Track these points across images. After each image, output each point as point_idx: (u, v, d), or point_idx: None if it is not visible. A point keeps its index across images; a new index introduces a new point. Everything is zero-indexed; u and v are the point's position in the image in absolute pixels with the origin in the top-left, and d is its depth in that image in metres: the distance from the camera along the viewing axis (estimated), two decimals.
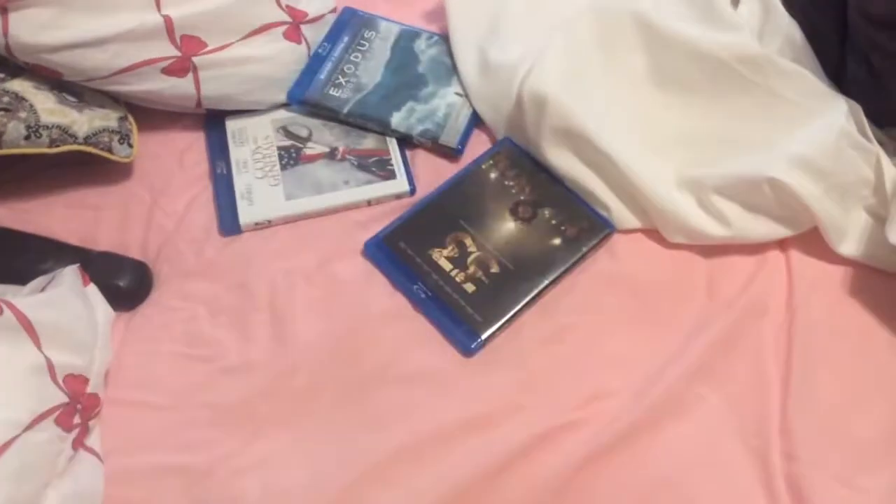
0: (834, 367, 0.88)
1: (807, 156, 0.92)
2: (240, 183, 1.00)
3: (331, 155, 1.03)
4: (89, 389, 0.81)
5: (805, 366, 0.88)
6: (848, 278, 0.95)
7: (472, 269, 0.94)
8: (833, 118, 0.94)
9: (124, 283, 0.91)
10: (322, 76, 1.08)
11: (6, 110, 0.89)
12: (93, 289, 0.89)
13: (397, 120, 1.05)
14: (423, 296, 0.92)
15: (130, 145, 0.98)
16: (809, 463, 0.82)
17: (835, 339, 0.90)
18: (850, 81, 0.99)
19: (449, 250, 0.95)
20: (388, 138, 1.05)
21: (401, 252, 0.95)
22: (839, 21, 0.98)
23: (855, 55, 0.98)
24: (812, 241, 0.95)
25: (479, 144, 1.06)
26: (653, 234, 0.99)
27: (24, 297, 0.82)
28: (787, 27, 1.02)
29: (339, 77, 1.08)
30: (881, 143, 0.96)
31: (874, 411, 0.86)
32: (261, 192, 0.99)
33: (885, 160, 0.94)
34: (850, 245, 0.95)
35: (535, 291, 0.92)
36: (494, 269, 0.94)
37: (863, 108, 0.96)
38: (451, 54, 1.11)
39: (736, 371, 0.88)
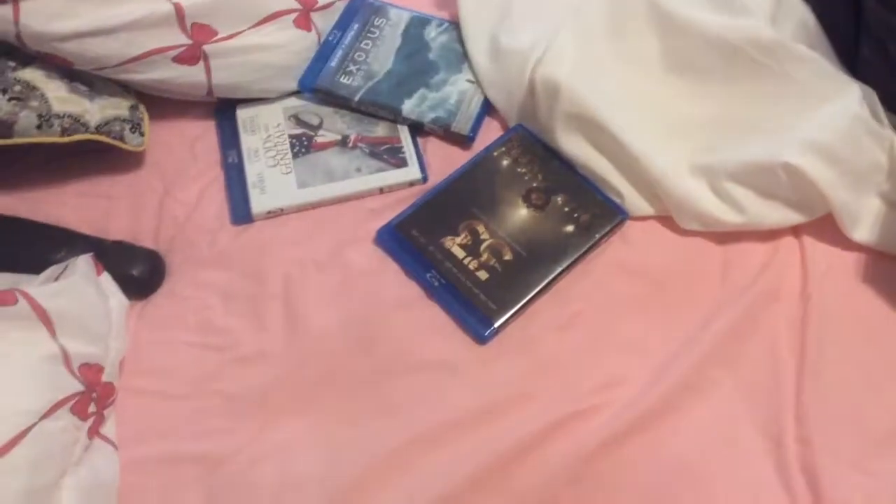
0: (847, 353, 0.88)
1: (821, 141, 0.91)
2: (251, 171, 1.00)
3: (342, 143, 1.03)
4: (104, 378, 0.82)
5: (819, 351, 0.88)
6: (861, 264, 0.94)
7: (485, 256, 0.93)
8: (847, 103, 0.94)
9: (137, 272, 0.91)
10: (333, 64, 1.07)
11: (18, 99, 0.89)
12: (106, 278, 0.89)
13: (409, 107, 1.04)
14: (436, 283, 0.92)
15: (142, 134, 0.98)
16: (823, 448, 0.82)
17: (848, 325, 0.90)
18: (865, 66, 0.98)
19: (462, 238, 0.95)
20: (399, 126, 1.05)
21: (414, 240, 0.95)
22: (853, 5, 0.98)
23: (869, 40, 0.97)
24: (826, 227, 0.95)
25: (491, 131, 1.06)
26: (666, 220, 0.98)
27: (39, 287, 0.82)
28: (801, 12, 1.02)
29: (350, 64, 1.08)
30: (895, 128, 0.95)
31: (888, 397, 0.86)
32: (273, 180, 0.99)
33: None
34: (863, 231, 0.94)
35: (549, 278, 0.92)
36: (507, 256, 0.93)
37: (877, 93, 0.96)
38: (461, 41, 1.11)
39: (750, 357, 0.88)
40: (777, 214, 0.94)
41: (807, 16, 1.01)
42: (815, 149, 0.91)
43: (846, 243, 0.95)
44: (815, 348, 0.88)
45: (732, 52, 0.97)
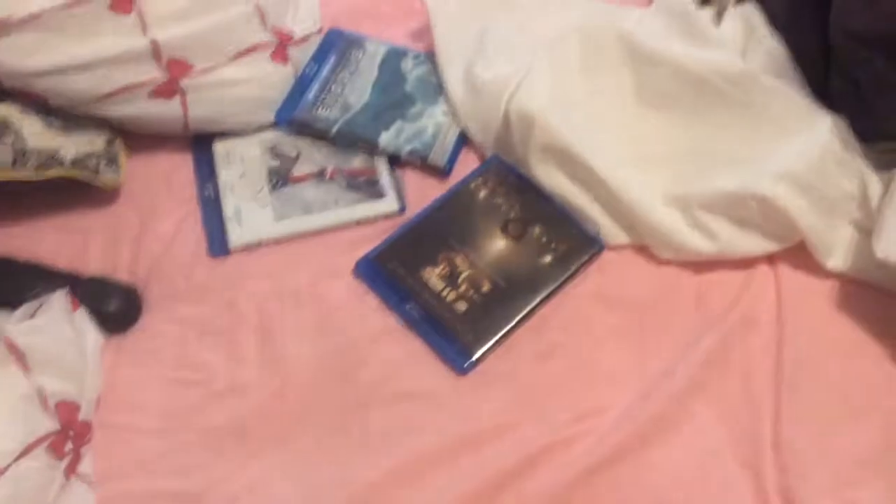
0: (824, 381, 0.89)
1: (792, 171, 0.92)
2: (228, 204, 1.00)
3: (320, 175, 1.03)
4: (81, 417, 0.81)
5: (795, 379, 0.89)
6: (836, 292, 0.95)
7: (463, 287, 0.94)
8: (817, 134, 0.95)
9: (113, 307, 0.90)
10: (310, 96, 1.08)
11: None
12: (82, 314, 0.88)
13: (386, 139, 1.05)
14: (415, 315, 0.92)
15: (118, 169, 0.98)
16: (802, 476, 0.82)
17: (824, 352, 0.91)
18: (834, 97, 1.00)
19: (440, 269, 0.95)
20: (376, 157, 1.05)
21: (392, 271, 0.95)
22: (822, 37, 1.00)
23: (838, 71, 0.99)
24: (800, 255, 0.96)
25: (468, 163, 1.07)
26: (642, 249, 0.99)
27: (14, 324, 0.82)
28: (771, 44, 1.04)
29: (327, 97, 1.08)
30: (866, 158, 0.97)
31: (865, 424, 0.87)
32: (250, 213, 0.99)
33: (869, 175, 0.95)
34: (837, 259, 0.95)
35: (527, 309, 0.93)
36: (486, 287, 0.94)
37: (847, 122, 0.97)
38: (437, 73, 1.12)
39: (727, 385, 0.89)
40: (751, 243, 0.95)
41: (777, 48, 1.03)
42: (787, 179, 0.92)
43: (820, 271, 0.96)
44: (791, 376, 0.89)
45: (703, 84, 0.99)
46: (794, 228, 0.93)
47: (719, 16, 1.10)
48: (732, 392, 0.88)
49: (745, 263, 0.97)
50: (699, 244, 0.96)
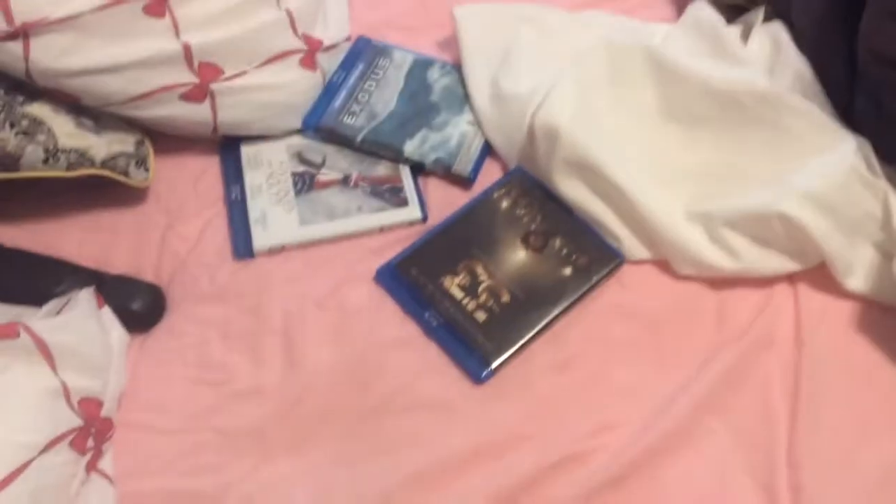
0: (841, 401, 0.89)
1: (816, 191, 0.92)
2: (254, 208, 1.01)
3: (344, 181, 1.04)
4: (103, 413, 0.82)
5: (812, 399, 0.89)
6: (855, 313, 0.95)
7: (483, 297, 0.94)
8: (842, 154, 0.95)
9: (138, 306, 0.92)
10: (337, 104, 1.09)
11: (25, 134, 0.90)
12: (107, 312, 0.89)
13: (410, 148, 1.06)
14: (434, 323, 0.93)
15: (147, 169, 0.99)
16: (817, 495, 0.82)
17: (842, 372, 0.91)
18: (859, 117, 1.00)
19: (461, 278, 0.95)
20: (400, 166, 1.06)
21: (413, 279, 0.95)
22: (849, 57, 1.00)
23: (864, 92, 0.99)
24: (820, 275, 0.96)
25: (491, 173, 1.07)
26: (662, 265, 0.99)
27: (41, 320, 0.83)
28: (797, 63, 1.03)
29: (354, 105, 1.09)
30: (889, 180, 0.96)
31: (880, 445, 0.86)
32: (275, 217, 1.00)
33: (892, 197, 0.95)
34: (857, 280, 0.95)
35: (545, 321, 0.93)
36: (505, 298, 0.94)
37: (871, 143, 0.97)
38: (463, 83, 1.13)
39: (744, 403, 0.89)
40: (773, 262, 0.95)
41: (803, 68, 1.03)
42: (811, 199, 0.92)
43: (840, 291, 0.96)
44: (808, 395, 0.89)
45: (729, 101, 0.99)
46: (816, 248, 0.93)
47: (746, 34, 1.10)
48: (749, 410, 0.88)
49: (765, 282, 0.97)
50: (720, 261, 0.96)
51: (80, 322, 0.84)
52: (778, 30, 1.08)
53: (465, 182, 1.06)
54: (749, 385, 0.90)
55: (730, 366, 0.91)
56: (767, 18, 1.10)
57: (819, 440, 0.86)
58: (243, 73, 1.00)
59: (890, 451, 0.86)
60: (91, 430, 0.79)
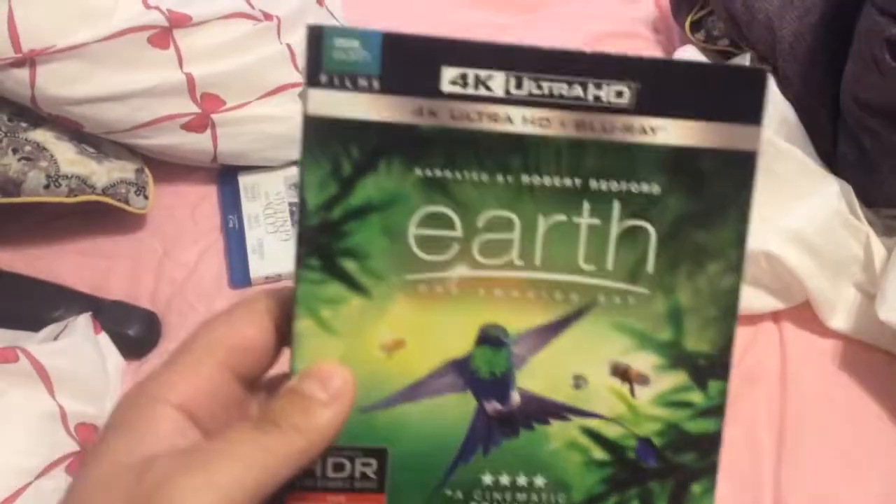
0: (825, 439, 0.90)
1: (801, 232, 0.95)
2: (251, 237, 1.02)
3: None
4: None
5: (797, 436, 0.90)
6: (839, 352, 0.97)
7: None
8: (825, 197, 0.97)
9: (134, 332, 0.92)
10: None
11: (27, 159, 0.91)
12: (104, 337, 0.90)
13: None
14: None
15: (146, 197, 1.00)
16: None
17: (826, 409, 0.92)
18: (842, 161, 1.03)
19: None
20: None
21: None
22: (832, 103, 1.03)
23: (847, 137, 1.02)
24: (804, 314, 0.98)
25: None
26: None
27: (39, 345, 0.83)
28: (782, 108, 1.06)
29: None
30: (870, 223, 0.99)
31: (865, 481, 0.88)
32: (272, 246, 1.01)
33: (874, 239, 0.97)
34: (840, 320, 0.97)
35: None
36: None
37: (854, 187, 1.00)
38: None
39: (729, 440, 0.89)
40: (758, 301, 0.97)
41: (788, 112, 1.06)
42: (797, 240, 0.94)
43: (823, 330, 0.97)
44: (793, 433, 0.90)
45: None
46: (800, 287, 0.95)
47: None
48: (734, 446, 0.89)
49: (750, 320, 0.99)
50: None
51: (79, 347, 0.84)
52: None
53: None
54: (735, 422, 0.90)
55: None
56: (753, 64, 1.14)
57: (804, 477, 0.87)
58: (245, 104, 1.01)
59: (873, 487, 0.87)
60: None
